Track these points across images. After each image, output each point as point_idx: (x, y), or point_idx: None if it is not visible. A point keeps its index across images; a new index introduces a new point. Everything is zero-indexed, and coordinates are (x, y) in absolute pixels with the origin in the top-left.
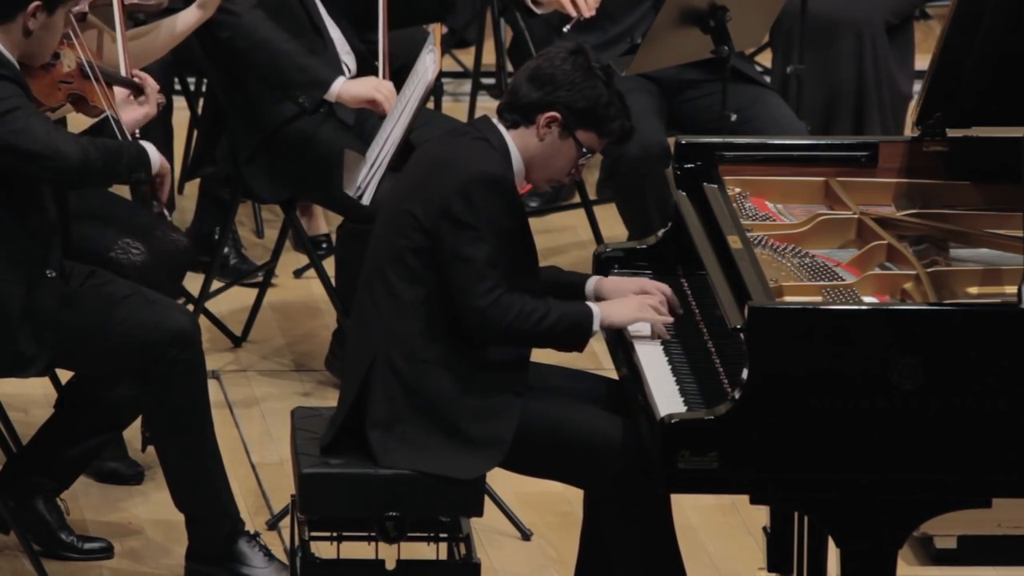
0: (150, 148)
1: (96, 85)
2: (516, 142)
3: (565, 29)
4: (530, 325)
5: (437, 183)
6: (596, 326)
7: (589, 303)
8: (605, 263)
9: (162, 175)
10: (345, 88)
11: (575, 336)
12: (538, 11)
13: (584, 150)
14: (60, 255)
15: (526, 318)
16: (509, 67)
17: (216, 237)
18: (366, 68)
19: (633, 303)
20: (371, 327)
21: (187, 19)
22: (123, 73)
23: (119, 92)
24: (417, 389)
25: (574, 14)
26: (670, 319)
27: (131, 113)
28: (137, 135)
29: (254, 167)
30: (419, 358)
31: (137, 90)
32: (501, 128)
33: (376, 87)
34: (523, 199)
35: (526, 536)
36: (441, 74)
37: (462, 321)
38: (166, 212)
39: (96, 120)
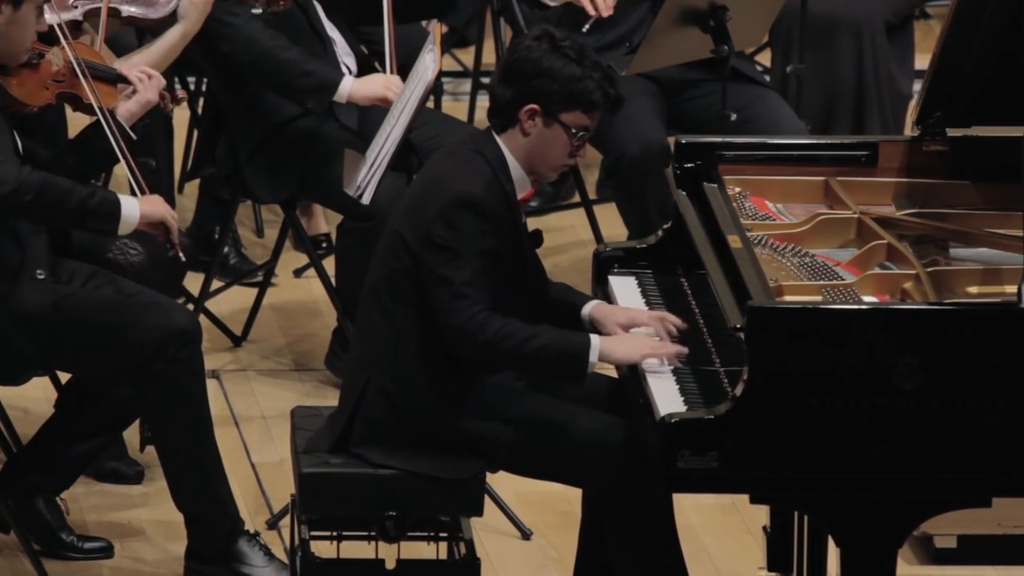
0: (127, 202)
1: (87, 82)
2: (509, 146)
3: (584, 29)
4: (512, 345)
5: (424, 207)
6: (594, 358)
7: (591, 334)
8: (605, 263)
9: (152, 223)
10: (355, 88)
11: (567, 365)
12: (552, 3)
13: (574, 131)
14: (49, 255)
15: (506, 338)
16: None
17: (216, 237)
18: (367, 70)
19: (640, 342)
20: (368, 348)
21: (171, 37)
22: (110, 66)
23: (115, 87)
24: (407, 416)
25: (592, 12)
26: (683, 351)
27: (124, 105)
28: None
29: (254, 167)
30: (411, 384)
31: (127, 83)
32: (497, 137)
33: (386, 85)
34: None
35: (526, 536)
36: (441, 73)
37: (445, 341)
38: (181, 255)
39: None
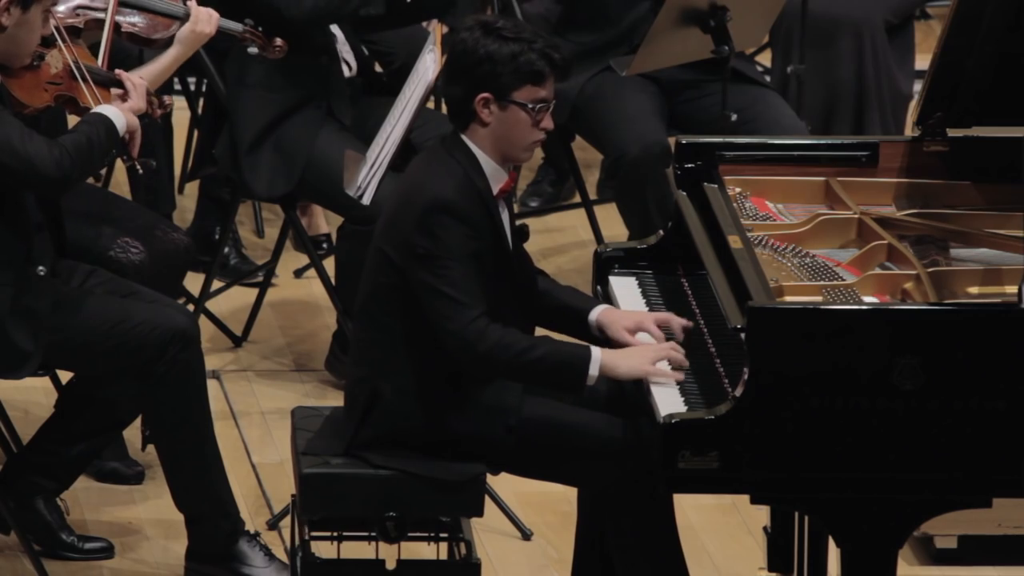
0: (110, 111)
1: (85, 86)
2: (474, 141)
3: None
4: (512, 355)
5: (401, 220)
6: (594, 371)
7: (593, 346)
8: (606, 263)
9: (131, 132)
10: None
11: (566, 376)
12: None
13: (531, 106)
14: (51, 252)
15: (507, 347)
16: None
17: (216, 237)
18: (366, 68)
19: (645, 355)
20: (366, 359)
21: (164, 60)
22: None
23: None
24: (408, 424)
25: None
26: (684, 363)
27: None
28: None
29: (253, 160)
30: (410, 393)
31: (123, 88)
32: (462, 136)
33: None
34: (523, 198)
35: (526, 536)
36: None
37: (445, 350)
38: (138, 166)
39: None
